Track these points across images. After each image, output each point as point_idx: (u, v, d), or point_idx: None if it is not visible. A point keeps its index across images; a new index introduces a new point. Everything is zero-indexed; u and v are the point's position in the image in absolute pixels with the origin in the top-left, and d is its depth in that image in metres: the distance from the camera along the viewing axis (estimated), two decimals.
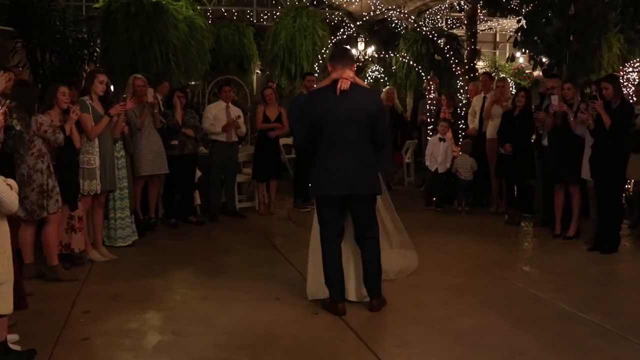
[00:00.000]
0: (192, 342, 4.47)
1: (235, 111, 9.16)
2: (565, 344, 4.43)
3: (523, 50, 10.41)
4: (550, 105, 7.64)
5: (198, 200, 9.09)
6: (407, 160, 12.99)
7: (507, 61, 12.02)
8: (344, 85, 4.93)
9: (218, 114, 8.95)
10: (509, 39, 10.95)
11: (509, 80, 15.68)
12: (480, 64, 17.45)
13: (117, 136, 6.98)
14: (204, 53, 12.90)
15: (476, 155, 9.86)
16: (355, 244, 5.25)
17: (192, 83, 15.71)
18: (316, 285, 5.32)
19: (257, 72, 18.87)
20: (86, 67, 13.48)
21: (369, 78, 16.90)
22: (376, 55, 14.86)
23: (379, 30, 17.18)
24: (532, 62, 10.24)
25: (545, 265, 6.68)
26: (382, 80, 16.17)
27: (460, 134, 10.49)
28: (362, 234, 5.18)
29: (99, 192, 6.64)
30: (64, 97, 6.22)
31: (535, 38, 9.47)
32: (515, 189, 8.80)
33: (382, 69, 16.06)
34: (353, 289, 5.31)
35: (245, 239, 7.92)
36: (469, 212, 9.57)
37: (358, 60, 15.49)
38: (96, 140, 6.60)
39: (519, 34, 9.84)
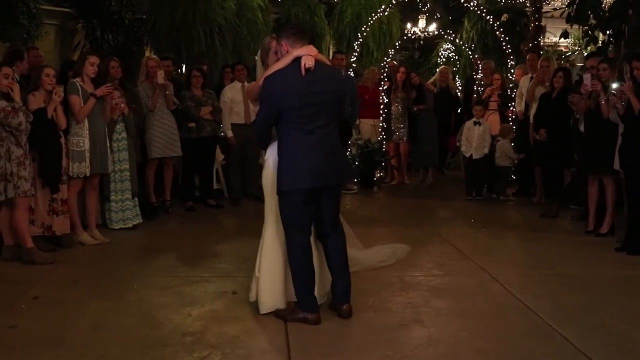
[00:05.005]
0: (106, 338, 4.21)
1: None
2: None
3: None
4: (582, 85, 6.86)
5: (216, 184, 8.91)
6: None
7: (559, 38, 10.98)
8: (308, 62, 4.28)
9: (234, 96, 8.68)
10: (562, 14, 9.94)
11: None
12: (562, 41, 16.23)
13: (111, 119, 6.83)
14: (257, 32, 12.67)
15: (523, 141, 9.14)
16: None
17: None
18: (273, 299, 4.61)
19: (334, 51, 18.48)
20: (145, 48, 13.64)
21: (441, 57, 16.16)
22: (442, 33, 14.07)
23: (454, 7, 16.34)
24: (585, 38, 9.25)
25: (553, 266, 5.99)
26: (452, 59, 15.40)
27: (510, 117, 9.73)
28: (330, 230, 4.60)
29: (88, 174, 6.55)
30: (47, 79, 6.16)
31: (589, 13, 8.51)
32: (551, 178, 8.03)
33: (454, 47, 15.28)
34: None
35: (253, 225, 7.52)
36: (505, 201, 8.91)
37: (419, 38, 14.80)
38: (85, 122, 6.50)
39: (572, 7, 8.90)
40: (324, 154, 4.37)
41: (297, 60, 4.32)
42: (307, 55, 4.32)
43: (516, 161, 8.99)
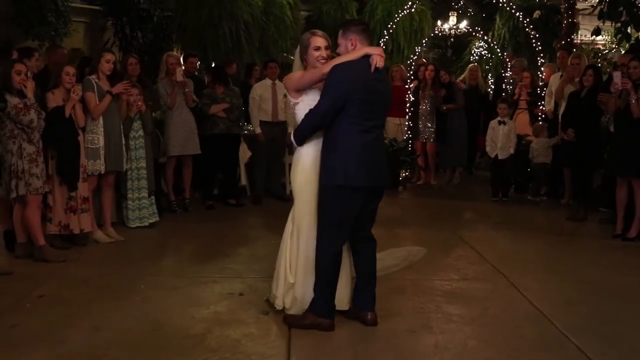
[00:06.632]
0: (106, 339, 4.14)
1: (283, 89, 8.74)
2: None
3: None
4: (612, 84, 6.59)
5: (243, 182, 8.82)
6: None
7: (591, 35, 10.62)
8: (379, 62, 4.23)
9: (264, 93, 8.58)
10: (593, 10, 9.61)
11: None
12: (599, 39, 15.80)
13: (127, 116, 6.78)
14: (285, 29, 12.57)
15: None
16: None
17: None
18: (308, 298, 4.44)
19: None
20: (173, 45, 13.66)
21: (474, 55, 15.86)
22: (470, 30, 13.76)
23: (486, 4, 15.99)
24: (618, 36, 8.91)
25: (574, 271, 5.76)
26: (485, 56, 15.10)
27: (540, 116, 9.45)
28: (364, 234, 4.47)
29: (102, 172, 6.51)
30: (67, 77, 6.15)
31: (621, 9, 8.19)
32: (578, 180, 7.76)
33: (486, 45, 14.97)
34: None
35: (274, 225, 7.41)
36: (539, 201, 8.68)
37: (451, 35, 14.53)
38: (100, 119, 6.46)
39: (605, 3, 8.58)
40: (379, 153, 4.34)
41: (366, 57, 4.25)
42: (379, 55, 4.27)
43: (560, 142, 8.53)
